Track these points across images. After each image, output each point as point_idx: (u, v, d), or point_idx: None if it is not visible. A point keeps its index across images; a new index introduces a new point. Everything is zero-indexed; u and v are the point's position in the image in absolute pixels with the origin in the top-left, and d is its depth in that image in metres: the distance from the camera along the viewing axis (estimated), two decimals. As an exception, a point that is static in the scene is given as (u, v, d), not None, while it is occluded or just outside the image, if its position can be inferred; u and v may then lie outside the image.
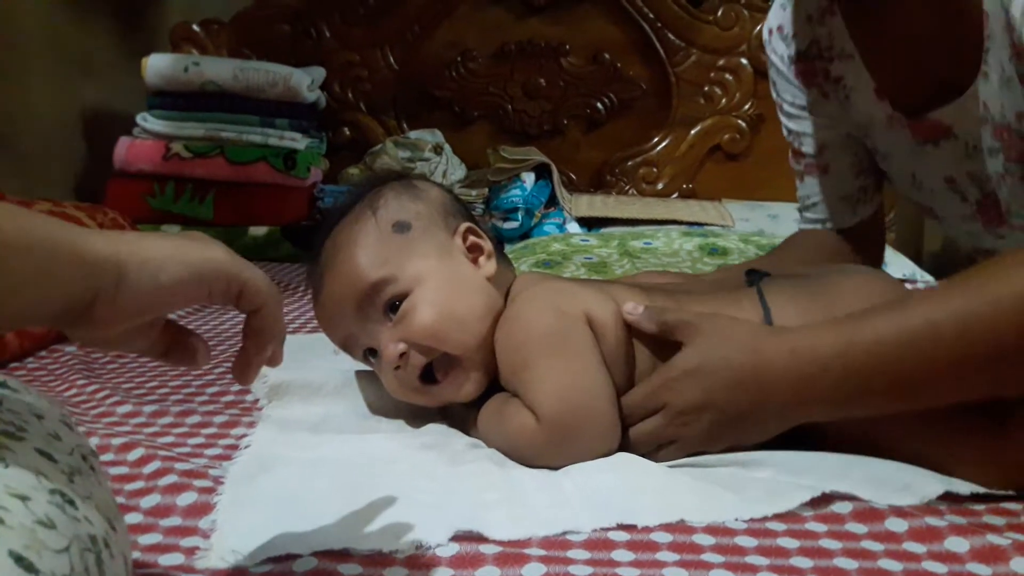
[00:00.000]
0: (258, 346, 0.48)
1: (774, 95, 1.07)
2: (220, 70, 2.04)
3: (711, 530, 0.58)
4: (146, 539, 0.57)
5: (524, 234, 1.87)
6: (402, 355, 0.74)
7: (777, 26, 1.01)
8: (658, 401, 0.69)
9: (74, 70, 2.08)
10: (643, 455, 0.69)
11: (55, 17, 2.02)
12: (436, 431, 0.77)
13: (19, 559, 0.28)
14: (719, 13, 2.21)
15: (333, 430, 0.77)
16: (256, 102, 2.05)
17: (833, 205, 1.06)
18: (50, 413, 0.43)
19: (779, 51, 1.02)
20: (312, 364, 0.90)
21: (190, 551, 0.55)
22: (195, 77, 2.03)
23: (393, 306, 0.75)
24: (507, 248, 1.69)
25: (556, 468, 0.68)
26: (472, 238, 0.80)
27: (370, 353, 0.79)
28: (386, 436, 0.76)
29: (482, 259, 0.79)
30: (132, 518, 0.60)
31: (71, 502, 0.34)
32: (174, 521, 0.60)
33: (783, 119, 1.07)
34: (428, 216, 0.79)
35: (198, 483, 0.64)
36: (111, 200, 1.87)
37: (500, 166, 2.01)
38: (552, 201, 1.98)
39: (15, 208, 0.36)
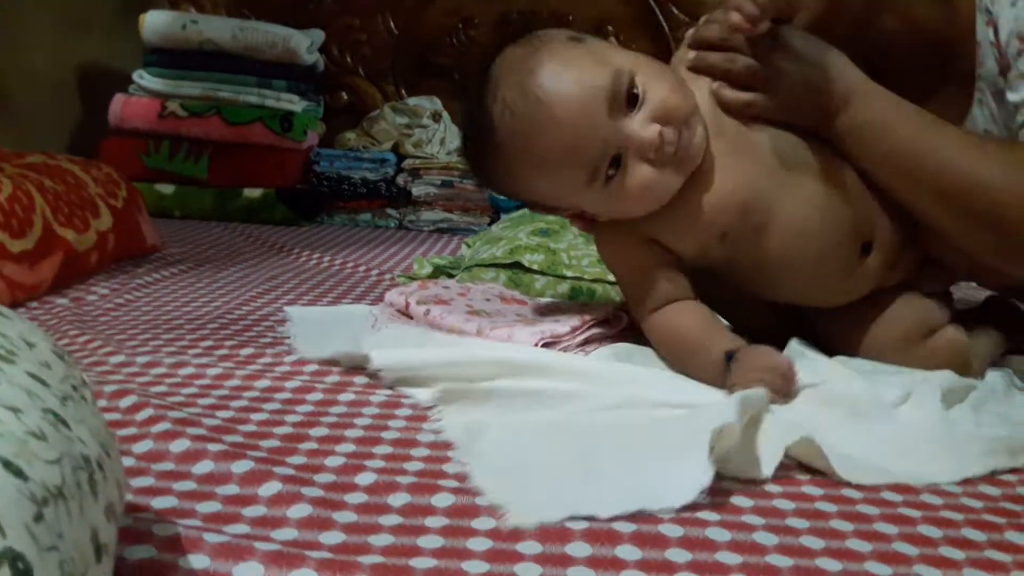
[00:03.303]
0: None
1: None
2: (218, 29, 2.01)
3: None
4: (139, 482, 0.56)
5: (521, 203, 1.85)
6: (660, 133, 0.75)
7: None
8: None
9: (72, 26, 2.05)
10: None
11: (52, -30, 1.98)
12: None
13: (7, 464, 0.27)
14: (724, -12, 2.19)
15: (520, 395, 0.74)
16: (254, 63, 2.03)
17: None
18: (42, 343, 0.42)
19: None
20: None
21: (183, 495, 0.55)
22: (193, 35, 2.00)
23: (631, 96, 0.76)
24: (504, 217, 1.67)
25: None
26: None
27: (612, 165, 0.76)
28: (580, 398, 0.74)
29: None
30: (124, 462, 0.59)
31: (64, 422, 0.33)
32: (167, 466, 0.59)
33: None
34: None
35: (192, 431, 0.63)
36: (106, 157, 1.85)
37: (499, 136, 1.99)
38: (551, 171, 1.96)
39: None
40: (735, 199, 0.80)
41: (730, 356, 0.75)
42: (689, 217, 0.80)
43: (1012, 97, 0.79)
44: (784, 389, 0.73)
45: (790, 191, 0.81)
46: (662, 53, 2.19)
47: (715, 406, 0.67)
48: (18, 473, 0.27)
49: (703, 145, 0.79)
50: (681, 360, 0.81)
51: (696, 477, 0.54)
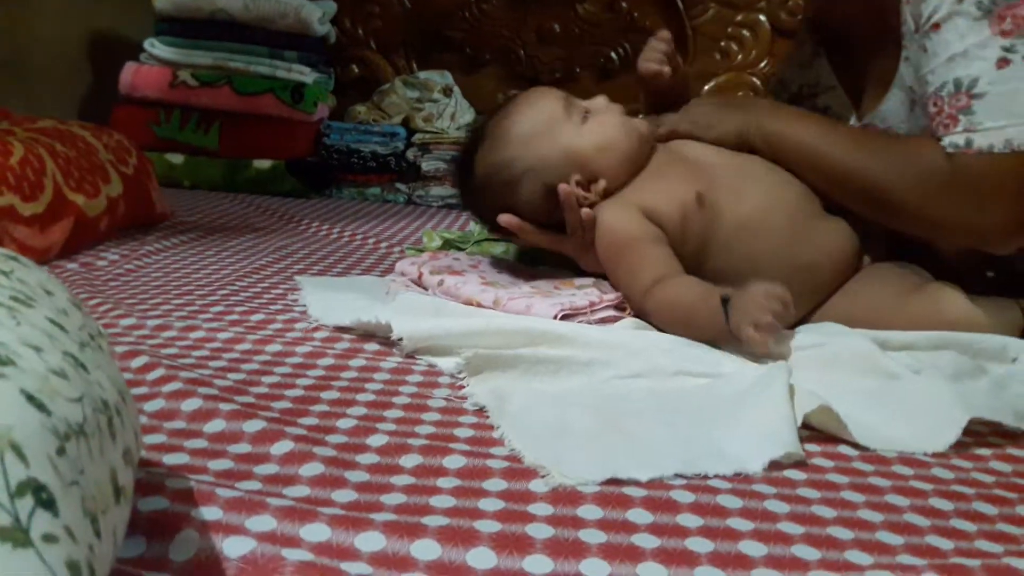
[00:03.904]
0: None
1: None
2: (230, -1, 2.00)
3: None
4: (151, 439, 0.56)
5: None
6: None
7: (779, 78, 1.20)
8: None
9: (83, -8, 2.04)
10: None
11: (64, -64, 1.97)
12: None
13: (31, 397, 0.27)
14: (741, -35, 2.17)
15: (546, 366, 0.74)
16: (265, 33, 2.01)
17: None
18: (59, 291, 0.42)
19: (780, 98, 1.17)
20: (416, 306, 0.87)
21: (196, 452, 0.55)
22: (205, 4, 1.99)
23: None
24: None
25: None
26: None
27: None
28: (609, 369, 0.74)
29: None
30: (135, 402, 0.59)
31: (83, 366, 0.33)
32: (178, 424, 0.59)
33: None
34: None
35: (203, 391, 0.63)
36: (116, 125, 1.84)
37: (510, 111, 1.98)
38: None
39: None
40: (706, 162, 0.94)
41: (725, 300, 0.77)
42: (667, 180, 0.92)
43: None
44: (786, 314, 0.75)
45: (755, 161, 0.94)
46: (676, 28, 2.20)
47: (751, 378, 0.69)
48: (41, 407, 0.27)
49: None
50: (685, 325, 0.82)
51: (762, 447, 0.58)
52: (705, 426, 0.62)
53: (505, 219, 0.94)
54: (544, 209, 0.94)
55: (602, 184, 0.93)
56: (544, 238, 0.96)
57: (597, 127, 0.94)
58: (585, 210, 0.92)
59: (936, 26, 0.78)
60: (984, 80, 0.75)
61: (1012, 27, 0.73)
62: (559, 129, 0.94)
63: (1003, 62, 0.74)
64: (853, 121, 1.02)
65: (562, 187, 0.92)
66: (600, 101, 0.98)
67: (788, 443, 0.58)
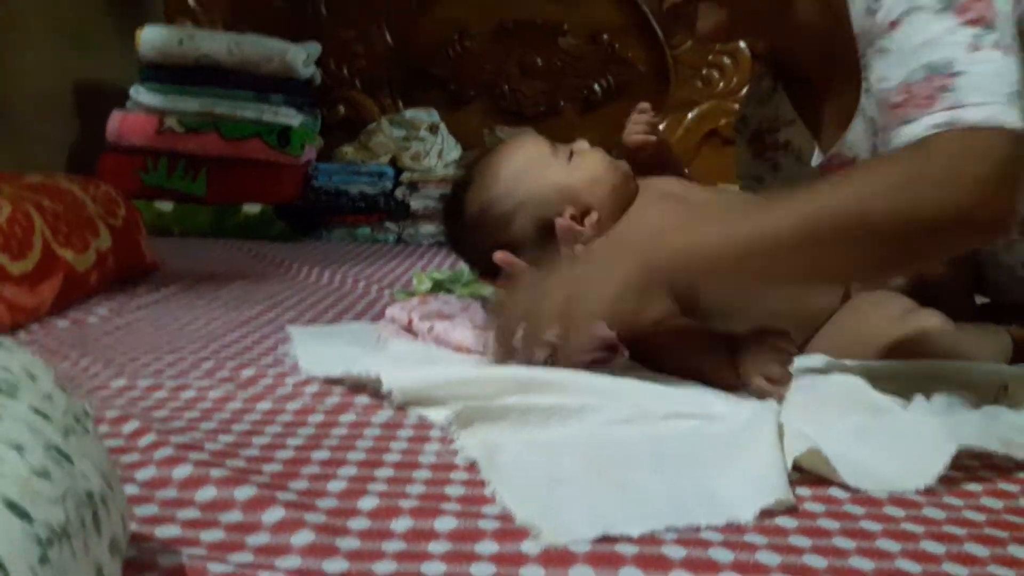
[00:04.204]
0: None
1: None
2: (215, 44, 2.02)
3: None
4: (143, 511, 0.56)
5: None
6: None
7: (742, 116, 1.17)
8: None
9: (68, 42, 2.06)
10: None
11: (48, -12, 1.99)
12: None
13: (12, 506, 0.27)
14: (719, -5, 2.20)
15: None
16: (251, 77, 2.03)
17: None
18: (44, 375, 0.42)
19: (742, 136, 1.16)
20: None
21: (187, 523, 0.55)
22: (189, 50, 2.01)
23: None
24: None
25: None
26: None
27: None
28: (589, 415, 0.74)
29: None
30: (128, 490, 0.59)
31: (67, 458, 0.33)
32: (169, 493, 0.59)
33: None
34: None
35: (194, 455, 0.63)
36: (104, 174, 1.86)
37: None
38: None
39: None
40: (692, 199, 0.94)
41: (732, 346, 0.78)
42: (656, 218, 0.92)
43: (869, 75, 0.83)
44: (792, 359, 0.77)
45: (739, 196, 0.99)
46: (656, 58, 2.22)
47: (743, 420, 0.70)
48: (23, 515, 0.27)
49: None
50: (687, 369, 0.82)
51: (754, 496, 0.57)
52: (697, 471, 0.62)
53: (501, 256, 0.93)
54: (537, 246, 0.95)
55: (595, 216, 0.95)
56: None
57: (585, 163, 0.97)
58: (579, 246, 0.92)
59: (894, 24, 0.77)
60: (960, 62, 0.72)
61: (976, 17, 0.73)
62: (548, 166, 0.97)
63: (973, 47, 0.72)
64: (816, 154, 1.02)
65: (559, 221, 0.93)
66: (583, 143, 0.99)
67: (779, 489, 0.58)
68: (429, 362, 0.85)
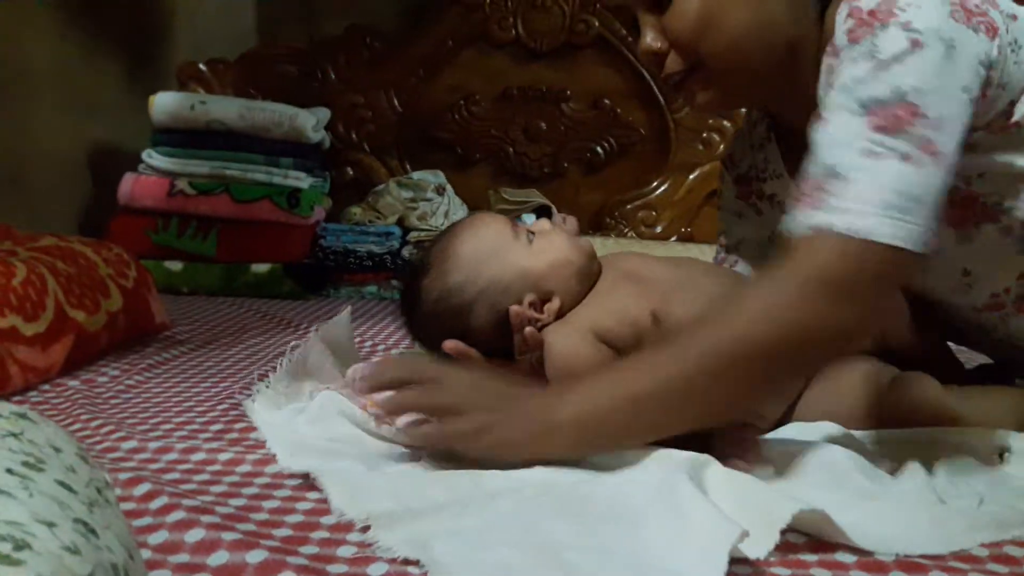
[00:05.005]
0: None
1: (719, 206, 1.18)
2: (226, 109, 2.07)
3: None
4: (156, 575, 0.57)
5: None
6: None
7: (729, 154, 1.16)
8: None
9: (82, 107, 2.11)
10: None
11: (64, 55, 2.05)
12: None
13: (49, 586, 0.28)
14: (718, 61, 2.25)
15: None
16: (261, 141, 2.08)
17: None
18: (67, 446, 0.43)
19: (729, 173, 1.14)
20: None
21: (198, 587, 0.55)
22: (201, 115, 2.06)
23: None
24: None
25: None
26: None
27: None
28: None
29: None
30: (142, 555, 0.60)
31: (93, 531, 0.34)
32: (182, 558, 0.60)
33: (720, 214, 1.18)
34: None
35: (205, 519, 0.64)
36: (114, 235, 1.88)
37: (501, 207, 2.03)
38: (553, 243, 2.00)
39: None
40: (655, 277, 0.92)
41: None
42: (619, 299, 0.91)
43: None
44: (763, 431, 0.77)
45: (697, 268, 0.97)
46: (657, 121, 2.27)
47: (657, 480, 0.68)
48: (57, 592, 0.28)
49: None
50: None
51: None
52: (640, 543, 0.61)
53: (451, 346, 0.90)
54: (494, 335, 0.92)
55: (556, 303, 0.91)
56: (489, 367, 0.91)
57: (547, 245, 0.93)
58: (529, 329, 0.89)
59: (824, 118, 0.78)
60: (850, 167, 0.73)
61: (885, 124, 0.73)
62: (509, 249, 0.93)
63: (870, 154, 0.72)
64: None
65: (513, 308, 0.90)
66: (544, 223, 0.97)
67: (729, 539, 0.57)
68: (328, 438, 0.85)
